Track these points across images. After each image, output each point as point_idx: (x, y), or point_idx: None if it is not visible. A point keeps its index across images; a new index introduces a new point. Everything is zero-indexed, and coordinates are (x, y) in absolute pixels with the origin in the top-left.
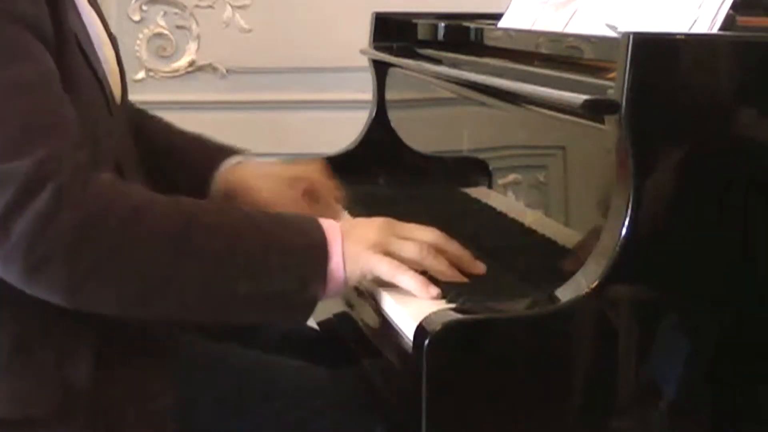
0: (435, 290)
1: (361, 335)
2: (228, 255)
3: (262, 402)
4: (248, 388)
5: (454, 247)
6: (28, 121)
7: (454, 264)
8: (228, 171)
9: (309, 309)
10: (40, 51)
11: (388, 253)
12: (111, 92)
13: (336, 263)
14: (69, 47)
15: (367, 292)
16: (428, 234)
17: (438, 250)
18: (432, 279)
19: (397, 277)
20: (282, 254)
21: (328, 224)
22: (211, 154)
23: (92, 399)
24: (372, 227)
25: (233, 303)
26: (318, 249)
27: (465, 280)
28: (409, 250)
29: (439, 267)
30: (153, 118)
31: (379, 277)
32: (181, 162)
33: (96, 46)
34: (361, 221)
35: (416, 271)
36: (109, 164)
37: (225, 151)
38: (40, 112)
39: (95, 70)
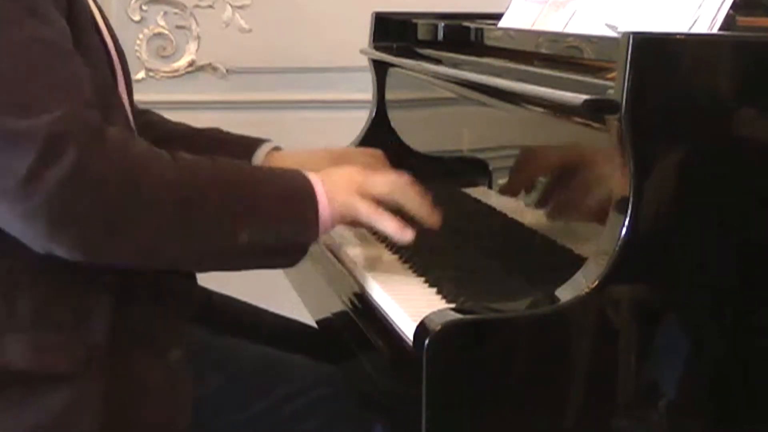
0: (410, 233)
1: (360, 334)
2: (228, 204)
3: (261, 394)
4: (248, 380)
5: (417, 189)
6: (44, 79)
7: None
8: (266, 158)
9: (303, 251)
10: (56, 17)
11: (363, 192)
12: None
13: (322, 205)
14: (84, 22)
15: (367, 291)
16: (396, 174)
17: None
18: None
19: (374, 218)
20: (275, 202)
21: (307, 172)
22: (242, 141)
23: (110, 356)
24: (345, 171)
25: (234, 250)
26: (306, 193)
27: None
28: (381, 185)
29: (409, 201)
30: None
31: (357, 219)
32: (218, 150)
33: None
34: (333, 169)
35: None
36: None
37: (253, 139)
38: (55, 70)
39: (111, 62)
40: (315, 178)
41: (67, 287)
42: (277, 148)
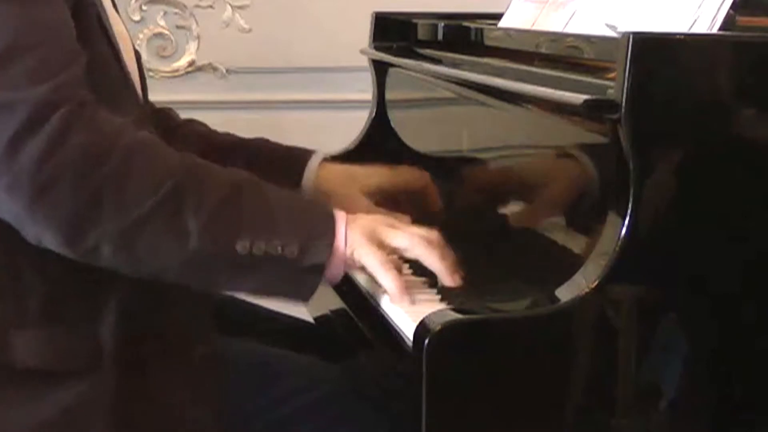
0: (408, 299)
1: (359, 333)
2: (232, 201)
3: (259, 393)
4: (247, 378)
5: (443, 248)
6: (41, 57)
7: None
8: (318, 168)
9: (312, 282)
10: (60, 3)
11: (380, 243)
12: (133, 85)
13: (339, 241)
14: (88, 19)
15: (366, 291)
16: (423, 230)
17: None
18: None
19: (379, 273)
20: (287, 213)
21: (333, 208)
22: (292, 152)
23: (121, 353)
24: (371, 218)
25: (232, 258)
26: (325, 222)
27: (451, 280)
28: (400, 238)
29: (429, 257)
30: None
31: (364, 269)
32: (267, 163)
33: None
34: (363, 214)
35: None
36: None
37: (303, 150)
38: (54, 50)
39: (121, 62)
40: (340, 215)
41: (77, 283)
42: (326, 159)
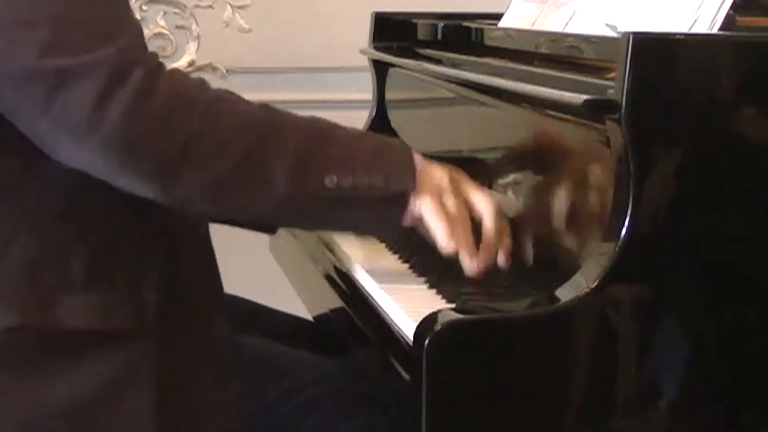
0: (452, 245)
1: (360, 334)
2: (314, 144)
3: (259, 392)
4: (247, 376)
5: (494, 230)
6: (102, 17)
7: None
8: None
9: (399, 212)
10: None
11: (440, 198)
12: None
13: (417, 173)
14: None
15: (366, 291)
16: (485, 204)
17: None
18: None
19: (434, 222)
20: (370, 151)
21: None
22: None
23: (161, 317)
24: (442, 172)
25: (321, 196)
26: (405, 155)
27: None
28: (453, 208)
29: (461, 238)
30: None
31: (421, 215)
32: None
33: None
34: (434, 163)
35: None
36: None
37: None
38: (111, 10)
39: None
40: (418, 159)
41: (120, 247)
42: None
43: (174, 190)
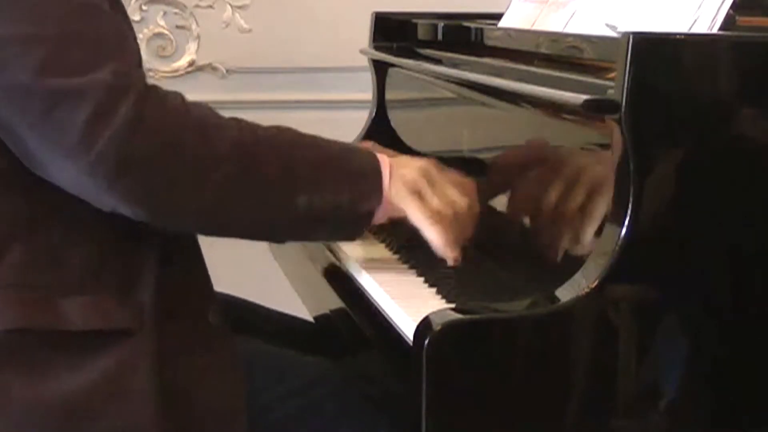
0: (454, 253)
1: (359, 333)
2: (289, 168)
3: (259, 392)
4: (247, 377)
5: (468, 220)
6: (99, 38)
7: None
8: None
9: (363, 223)
10: None
11: (420, 194)
12: None
13: (386, 186)
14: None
15: (366, 291)
16: (458, 199)
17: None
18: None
19: (426, 225)
20: (338, 171)
21: (378, 154)
22: None
23: (157, 316)
24: (413, 170)
25: (292, 216)
26: (373, 170)
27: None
28: (436, 204)
29: (449, 232)
30: None
31: (405, 216)
32: None
33: None
34: (405, 158)
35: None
36: None
37: None
38: (109, 31)
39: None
40: (384, 161)
41: (116, 249)
42: None
43: (160, 212)
